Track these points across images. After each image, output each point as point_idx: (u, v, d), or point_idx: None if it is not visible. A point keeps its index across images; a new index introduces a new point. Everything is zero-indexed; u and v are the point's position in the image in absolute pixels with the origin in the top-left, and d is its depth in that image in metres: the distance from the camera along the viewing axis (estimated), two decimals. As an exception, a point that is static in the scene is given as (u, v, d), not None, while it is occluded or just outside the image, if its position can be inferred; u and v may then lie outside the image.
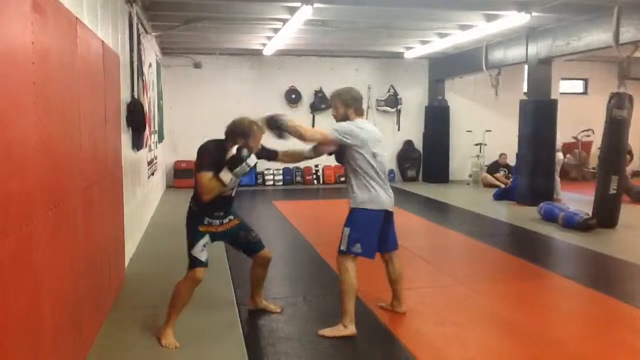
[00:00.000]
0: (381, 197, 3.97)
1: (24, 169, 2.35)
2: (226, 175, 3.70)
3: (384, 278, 4.39)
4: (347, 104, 4.07)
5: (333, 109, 4.14)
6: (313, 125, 13.08)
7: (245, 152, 3.72)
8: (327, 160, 13.30)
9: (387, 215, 4.08)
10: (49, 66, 2.77)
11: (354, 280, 3.97)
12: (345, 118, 4.05)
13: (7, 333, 2.15)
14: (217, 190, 3.73)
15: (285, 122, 3.94)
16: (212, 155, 3.77)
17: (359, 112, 4.10)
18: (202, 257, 3.86)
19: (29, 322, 2.41)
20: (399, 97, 13.70)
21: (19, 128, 2.31)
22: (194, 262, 3.86)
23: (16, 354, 2.24)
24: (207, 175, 3.70)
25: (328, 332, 3.95)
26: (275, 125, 3.96)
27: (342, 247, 4.00)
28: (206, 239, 3.91)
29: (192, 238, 3.89)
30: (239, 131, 3.84)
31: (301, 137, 3.93)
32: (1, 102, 2.11)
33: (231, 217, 4.08)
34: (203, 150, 3.83)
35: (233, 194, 4.06)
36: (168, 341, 3.80)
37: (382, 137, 4.15)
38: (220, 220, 4.00)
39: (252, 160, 3.75)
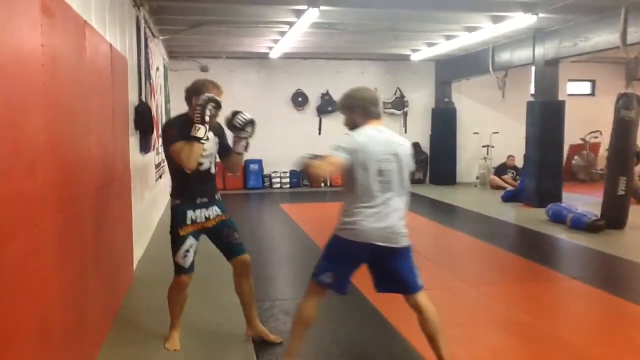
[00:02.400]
0: (366, 226, 3.05)
1: (33, 170, 2.37)
2: (196, 130, 3.36)
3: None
4: (349, 107, 3.26)
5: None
6: (320, 130, 13.12)
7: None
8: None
9: (381, 251, 3.10)
10: (58, 68, 2.80)
11: (307, 312, 3.26)
12: (353, 126, 3.23)
13: (17, 333, 2.16)
14: (197, 151, 3.38)
15: (302, 162, 3.08)
16: (177, 129, 3.50)
17: (369, 115, 3.20)
18: (186, 263, 3.62)
19: (38, 322, 2.42)
20: (405, 99, 13.69)
21: (28, 129, 2.33)
22: (177, 269, 3.65)
23: (26, 354, 2.26)
24: (178, 144, 3.40)
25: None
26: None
27: (314, 270, 3.27)
28: (189, 242, 3.60)
29: (173, 243, 3.63)
30: (193, 89, 3.64)
31: (317, 176, 3.12)
32: (12, 103, 2.13)
33: (219, 211, 3.73)
34: (166, 126, 3.67)
35: (212, 170, 3.72)
36: (169, 344, 3.80)
37: (402, 147, 3.19)
38: (206, 213, 3.67)
39: (244, 117, 3.61)
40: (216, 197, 3.78)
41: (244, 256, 3.81)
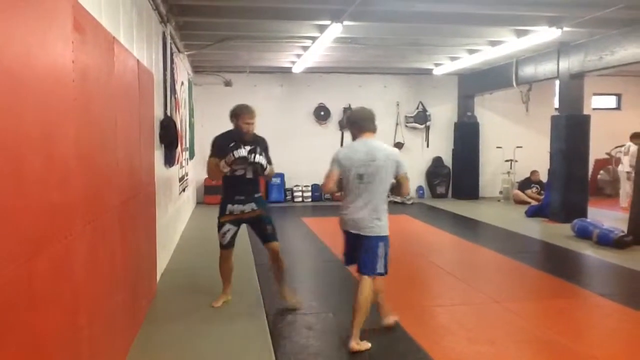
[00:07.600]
0: (344, 218, 4.13)
1: (65, 182, 2.42)
2: (220, 163, 4.59)
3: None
4: (349, 125, 4.27)
5: None
6: (342, 143, 13.15)
7: (235, 145, 4.53)
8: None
9: (356, 236, 4.09)
10: (88, 84, 2.86)
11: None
12: (353, 138, 4.22)
13: (48, 341, 2.20)
14: (216, 173, 4.66)
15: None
16: (219, 142, 4.71)
17: (360, 131, 4.12)
18: (224, 241, 4.82)
19: (68, 331, 2.46)
20: (428, 113, 13.67)
21: (61, 142, 2.38)
22: (220, 246, 4.87)
23: (55, 363, 2.29)
24: (212, 160, 4.69)
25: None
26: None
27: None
28: (227, 227, 4.77)
29: (217, 226, 4.84)
30: (232, 113, 4.73)
31: (329, 191, 4.14)
32: (45, 117, 2.19)
33: (254, 206, 4.75)
34: (213, 140, 4.80)
35: (248, 175, 4.70)
36: (214, 302, 4.88)
37: (376, 156, 3.99)
38: (242, 207, 4.72)
39: (240, 152, 4.50)
40: (255, 195, 4.79)
41: (274, 243, 4.84)
